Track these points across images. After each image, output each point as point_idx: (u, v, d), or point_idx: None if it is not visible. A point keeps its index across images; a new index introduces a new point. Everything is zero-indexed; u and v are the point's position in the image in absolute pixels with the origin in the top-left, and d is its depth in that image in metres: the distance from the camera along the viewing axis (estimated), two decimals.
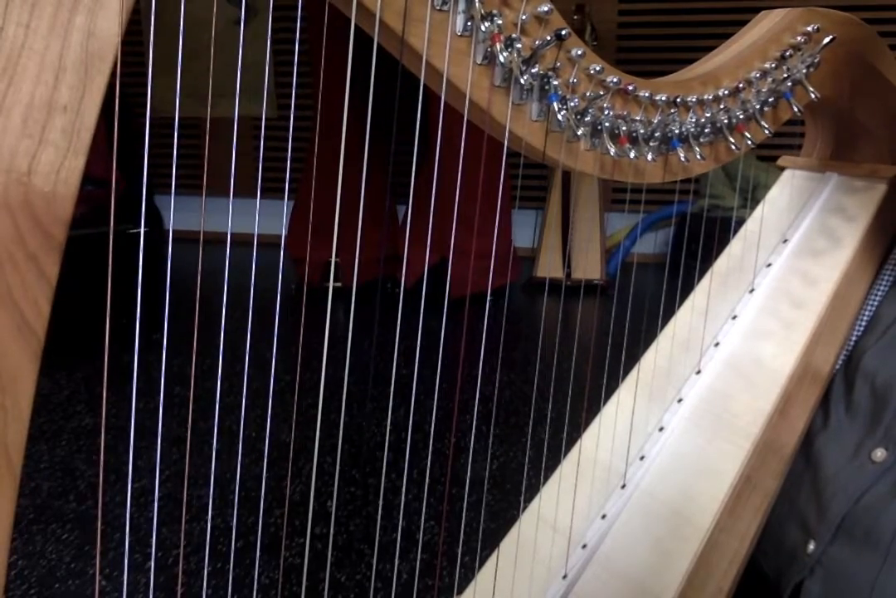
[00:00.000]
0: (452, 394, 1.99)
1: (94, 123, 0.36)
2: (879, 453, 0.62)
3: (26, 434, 0.36)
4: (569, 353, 1.99)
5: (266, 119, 3.93)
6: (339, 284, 3.48)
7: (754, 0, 3.58)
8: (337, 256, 3.43)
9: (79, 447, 2.05)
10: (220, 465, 1.79)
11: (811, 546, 0.63)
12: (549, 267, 3.70)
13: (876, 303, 0.73)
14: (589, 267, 3.66)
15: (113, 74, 0.36)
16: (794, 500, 0.67)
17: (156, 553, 1.53)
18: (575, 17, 3.49)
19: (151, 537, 1.61)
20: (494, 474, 1.87)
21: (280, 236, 3.54)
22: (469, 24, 0.48)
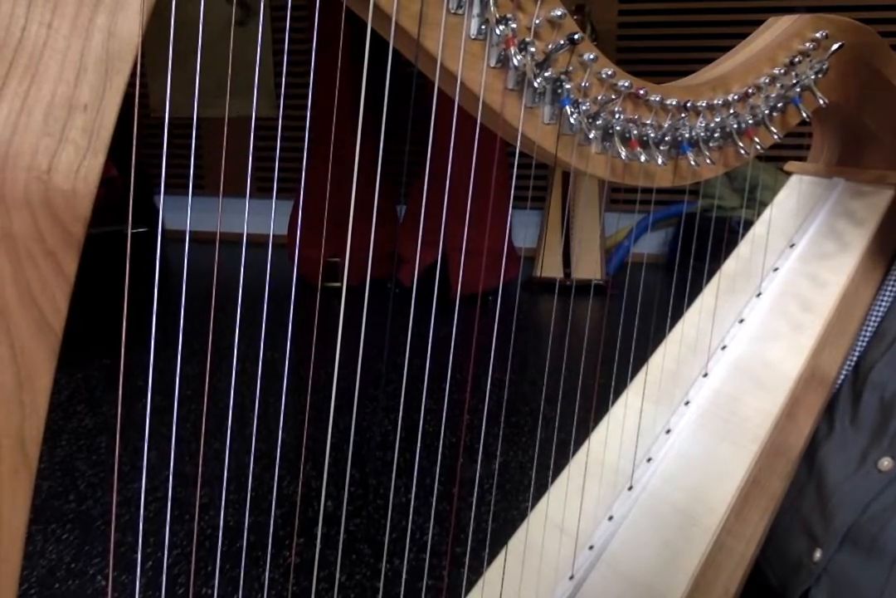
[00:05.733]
0: (454, 393, 1.99)
1: (113, 122, 0.36)
2: (886, 463, 0.62)
3: (43, 430, 0.36)
4: (570, 353, 1.99)
5: (264, 119, 3.91)
6: (338, 284, 3.48)
7: (753, 0, 3.60)
8: (338, 255, 3.43)
9: (79, 447, 2.05)
10: (219, 465, 1.79)
11: (817, 555, 0.63)
12: (549, 267, 3.70)
13: (881, 314, 0.73)
14: (589, 267, 3.66)
15: (132, 74, 0.36)
16: (799, 509, 0.67)
17: (155, 553, 1.53)
18: (575, 17, 3.48)
19: (151, 536, 1.60)
20: (495, 474, 1.87)
21: (281, 236, 3.54)
22: (483, 27, 0.48)
